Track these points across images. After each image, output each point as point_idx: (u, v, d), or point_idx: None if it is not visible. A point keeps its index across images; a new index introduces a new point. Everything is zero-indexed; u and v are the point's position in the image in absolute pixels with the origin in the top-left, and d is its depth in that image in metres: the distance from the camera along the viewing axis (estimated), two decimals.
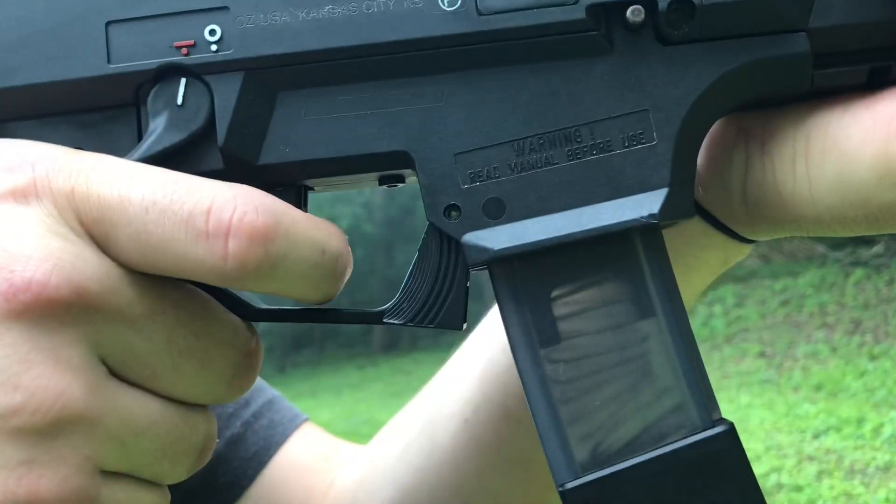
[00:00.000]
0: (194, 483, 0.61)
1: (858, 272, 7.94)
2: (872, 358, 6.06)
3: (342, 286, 0.36)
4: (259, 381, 0.66)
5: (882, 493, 3.80)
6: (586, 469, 0.35)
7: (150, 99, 0.36)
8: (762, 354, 6.85)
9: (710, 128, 0.36)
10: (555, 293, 0.36)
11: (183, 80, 0.36)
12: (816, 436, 4.71)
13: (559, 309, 0.35)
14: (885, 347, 6.22)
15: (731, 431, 0.34)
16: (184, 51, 0.36)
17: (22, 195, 0.31)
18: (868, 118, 0.34)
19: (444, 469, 0.55)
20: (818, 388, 5.72)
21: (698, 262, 0.44)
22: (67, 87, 0.36)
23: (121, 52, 0.36)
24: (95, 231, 0.32)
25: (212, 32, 0.36)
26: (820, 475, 4.14)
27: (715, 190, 0.40)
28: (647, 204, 0.34)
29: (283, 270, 0.32)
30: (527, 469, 0.53)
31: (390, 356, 11.70)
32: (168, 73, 0.36)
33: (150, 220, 0.31)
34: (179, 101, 0.36)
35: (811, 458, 4.37)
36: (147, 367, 0.32)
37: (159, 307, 0.33)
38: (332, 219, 0.36)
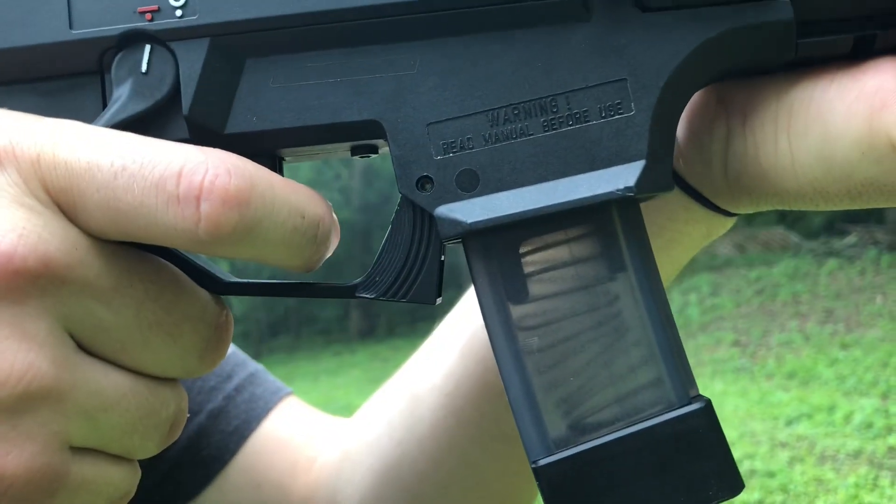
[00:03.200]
0: (176, 456, 0.60)
1: (831, 262, 8.03)
2: (844, 347, 6.14)
3: (327, 253, 0.35)
4: (242, 354, 0.66)
5: (852, 479, 3.86)
6: (560, 445, 0.34)
7: (114, 66, 0.35)
8: (736, 343, 6.92)
9: (689, 98, 0.35)
10: (529, 267, 0.35)
11: (147, 47, 0.35)
12: (789, 423, 4.77)
13: (534, 283, 0.35)
14: (857, 336, 6.30)
15: (707, 408, 0.34)
16: (148, 16, 0.35)
17: None
18: (853, 90, 0.33)
19: (425, 442, 0.55)
20: (791, 376, 5.78)
21: (681, 235, 0.44)
22: (28, 54, 0.35)
23: (83, 17, 0.35)
24: (63, 199, 0.31)
25: None
26: (792, 461, 4.20)
27: (696, 163, 0.39)
28: (623, 176, 0.33)
29: (260, 235, 0.31)
30: (507, 443, 0.53)
31: (367, 343, 11.69)
32: (132, 40, 0.35)
33: (120, 186, 0.30)
34: (144, 68, 0.34)
35: (783, 445, 4.42)
36: (116, 340, 0.31)
37: (128, 280, 0.32)
38: None
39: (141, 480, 0.59)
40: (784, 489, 3.87)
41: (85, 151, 0.31)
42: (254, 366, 0.65)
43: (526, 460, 0.54)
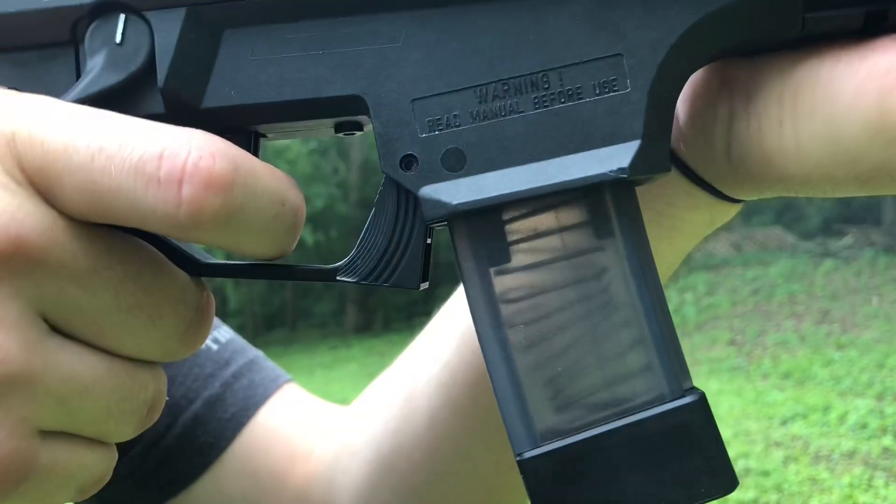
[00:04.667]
0: (172, 444, 0.59)
1: (828, 263, 8.05)
2: (839, 347, 6.15)
3: (297, 241, 0.34)
4: (241, 341, 0.65)
5: (846, 479, 3.86)
6: (546, 438, 0.33)
7: (87, 36, 0.33)
8: (732, 342, 6.92)
9: (689, 76, 0.34)
10: (517, 251, 0.33)
11: (122, 17, 0.33)
12: (784, 422, 4.77)
13: (522, 269, 0.33)
14: (852, 337, 6.32)
15: (701, 401, 0.33)
16: None
17: None
18: (862, 69, 0.31)
19: (421, 432, 0.54)
20: (786, 375, 5.79)
21: (683, 223, 0.42)
22: (0, 23, 0.34)
23: None
24: (39, 180, 0.29)
25: None
26: (787, 461, 4.20)
27: (698, 146, 0.38)
28: (617, 157, 0.32)
29: (241, 221, 0.30)
30: (503, 435, 0.52)
31: (363, 337, 11.68)
32: (106, 9, 0.33)
33: (97, 168, 0.29)
34: (118, 38, 0.33)
35: (778, 445, 4.43)
36: (93, 323, 0.30)
37: (106, 261, 0.31)
38: (306, 199, 0.34)
39: (136, 468, 0.58)
40: (778, 488, 3.87)
41: (62, 131, 0.29)
42: (253, 352, 0.64)
43: None
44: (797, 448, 4.35)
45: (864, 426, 4.51)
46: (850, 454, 4.16)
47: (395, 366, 0.60)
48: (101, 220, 0.30)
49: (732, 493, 0.33)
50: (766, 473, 4.02)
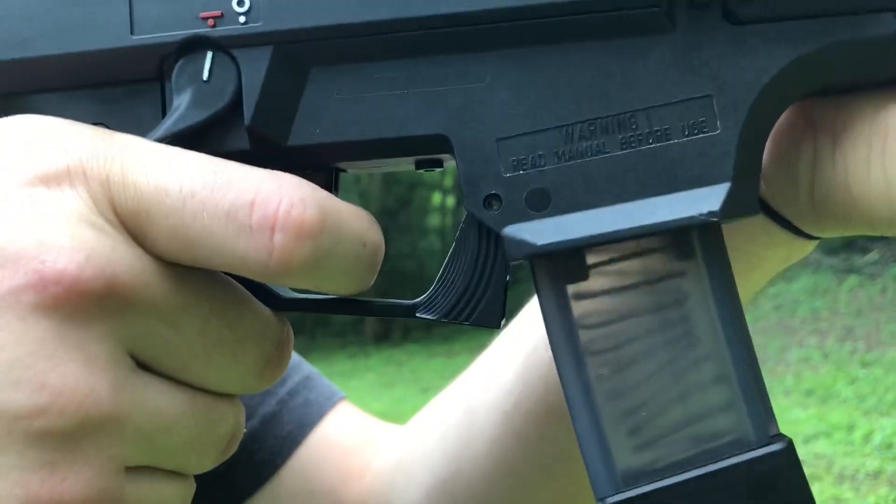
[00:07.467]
0: (228, 460, 0.60)
1: (852, 279, 7.96)
2: (864, 365, 6.08)
3: (374, 277, 0.34)
4: (296, 357, 0.65)
5: (871, 499, 3.82)
6: (628, 483, 0.32)
7: (174, 73, 0.34)
8: None
9: (779, 116, 0.34)
10: (602, 294, 0.33)
11: (209, 54, 0.33)
12: (807, 441, 4.72)
13: (606, 310, 0.33)
14: (877, 355, 6.24)
15: (789, 449, 0.32)
16: (210, 22, 0.33)
17: (55, 181, 0.29)
18: None
19: (482, 460, 0.54)
20: (809, 393, 5.73)
21: (760, 259, 0.42)
22: (87, 59, 0.34)
23: (144, 22, 0.34)
24: (131, 223, 0.30)
25: (240, 3, 0.33)
26: (810, 480, 4.09)
27: (780, 185, 0.37)
28: (707, 200, 0.32)
29: (327, 265, 0.30)
30: (567, 465, 0.51)
31: (382, 346, 11.69)
32: (194, 46, 0.34)
33: (189, 213, 0.29)
34: (205, 76, 0.33)
35: (802, 463, 4.37)
36: (178, 359, 0.31)
37: (194, 300, 0.31)
38: None
39: None
40: None
41: (154, 174, 0.30)
42: (308, 369, 0.65)
43: (585, 482, 0.52)
44: (821, 467, 4.30)
45: (889, 446, 4.45)
46: (875, 474, 4.11)
47: (453, 387, 0.60)
48: (190, 264, 0.30)
49: None
50: None
